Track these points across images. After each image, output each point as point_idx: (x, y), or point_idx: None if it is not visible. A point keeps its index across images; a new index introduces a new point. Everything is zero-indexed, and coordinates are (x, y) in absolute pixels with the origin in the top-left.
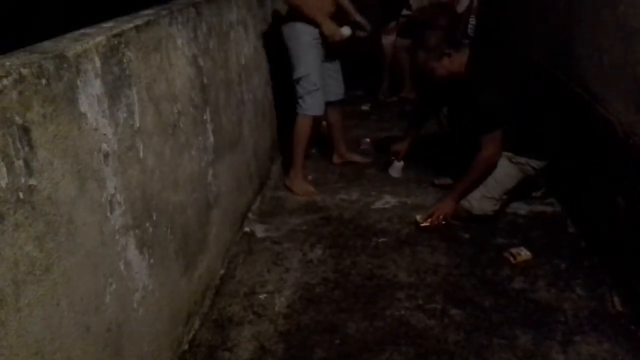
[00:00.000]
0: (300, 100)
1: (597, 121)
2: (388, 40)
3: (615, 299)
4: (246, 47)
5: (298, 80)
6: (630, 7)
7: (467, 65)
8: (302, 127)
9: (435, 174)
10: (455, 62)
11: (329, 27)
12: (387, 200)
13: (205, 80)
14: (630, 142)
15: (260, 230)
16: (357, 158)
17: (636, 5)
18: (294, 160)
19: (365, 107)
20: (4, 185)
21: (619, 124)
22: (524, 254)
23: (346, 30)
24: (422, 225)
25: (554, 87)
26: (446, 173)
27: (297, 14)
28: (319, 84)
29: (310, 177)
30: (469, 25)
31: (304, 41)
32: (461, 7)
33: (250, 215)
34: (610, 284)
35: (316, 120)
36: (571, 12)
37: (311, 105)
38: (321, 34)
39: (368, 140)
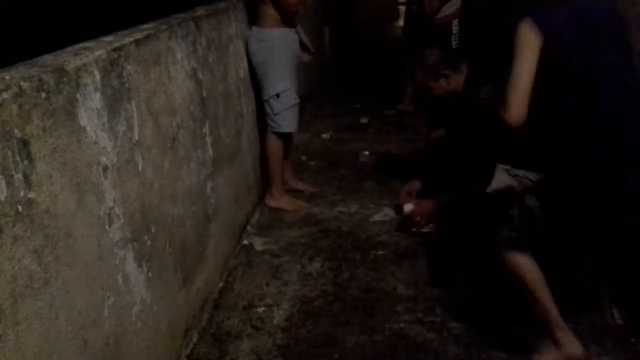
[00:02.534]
0: (276, 117)
1: None
2: None
3: (615, 311)
4: (245, 60)
5: (277, 95)
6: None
7: (465, 83)
8: (278, 146)
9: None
10: (453, 82)
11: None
12: (386, 213)
13: (204, 94)
14: None
15: (259, 243)
16: (301, 186)
17: (631, 22)
18: (274, 179)
19: (363, 120)
20: (2, 199)
21: None
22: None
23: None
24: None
25: None
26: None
27: (277, 19)
28: (297, 98)
29: (303, 188)
30: (453, 36)
31: (280, 50)
32: (445, 11)
33: (249, 228)
34: (609, 297)
35: (290, 136)
36: None
37: (289, 122)
38: (297, 38)
39: (367, 153)
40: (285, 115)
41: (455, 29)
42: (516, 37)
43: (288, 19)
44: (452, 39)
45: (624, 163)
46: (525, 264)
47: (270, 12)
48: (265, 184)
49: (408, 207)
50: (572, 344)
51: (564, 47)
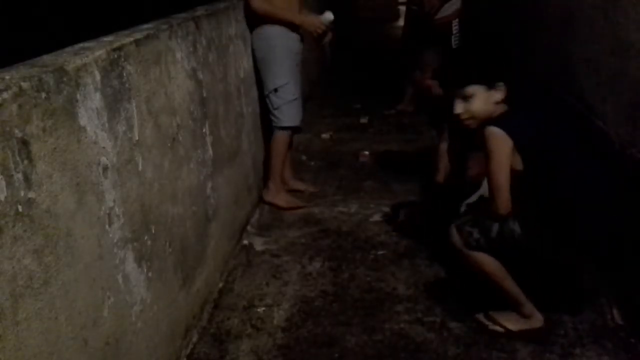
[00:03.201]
0: (276, 112)
1: (594, 133)
2: None
3: (615, 312)
4: (245, 60)
5: (275, 90)
6: (625, 22)
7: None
8: (280, 141)
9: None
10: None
11: (309, 21)
12: (386, 213)
13: (204, 94)
14: (626, 153)
15: (259, 243)
16: (301, 186)
17: (630, 20)
18: (273, 175)
19: (363, 120)
20: (2, 199)
21: (616, 136)
22: None
23: (328, 15)
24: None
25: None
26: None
27: (267, 20)
28: (297, 93)
29: (303, 188)
30: (454, 36)
31: (279, 47)
32: (446, 11)
33: (249, 228)
34: (609, 297)
35: (296, 131)
36: (568, 26)
37: (290, 116)
38: (299, 37)
39: (367, 152)
40: (285, 110)
41: (455, 29)
42: (490, 142)
43: (273, 22)
44: (452, 39)
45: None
46: (483, 257)
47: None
48: (263, 184)
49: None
50: (535, 316)
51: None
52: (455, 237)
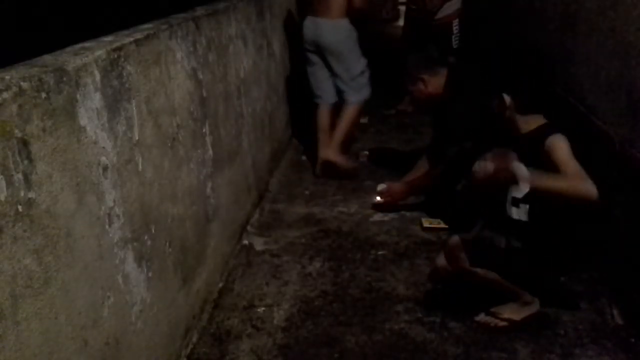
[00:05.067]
0: (360, 89)
1: (595, 133)
2: None
3: (615, 311)
4: (245, 60)
5: (362, 72)
6: (625, 23)
7: (445, 86)
8: (358, 111)
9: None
10: (431, 85)
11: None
12: (386, 213)
13: (204, 94)
14: (627, 154)
15: (259, 243)
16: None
17: (631, 22)
18: (344, 139)
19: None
20: (2, 199)
21: (617, 137)
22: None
23: None
24: (426, 227)
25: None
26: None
27: (352, 14)
28: None
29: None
30: (454, 36)
31: (355, 37)
32: (446, 11)
33: (249, 228)
34: (609, 297)
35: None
36: (568, 27)
37: (367, 91)
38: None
39: (366, 152)
40: (366, 87)
41: (455, 29)
42: (558, 147)
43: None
44: (453, 39)
45: None
46: (486, 271)
47: (343, 4)
48: (262, 184)
49: (380, 186)
50: (534, 301)
51: None
52: (462, 256)
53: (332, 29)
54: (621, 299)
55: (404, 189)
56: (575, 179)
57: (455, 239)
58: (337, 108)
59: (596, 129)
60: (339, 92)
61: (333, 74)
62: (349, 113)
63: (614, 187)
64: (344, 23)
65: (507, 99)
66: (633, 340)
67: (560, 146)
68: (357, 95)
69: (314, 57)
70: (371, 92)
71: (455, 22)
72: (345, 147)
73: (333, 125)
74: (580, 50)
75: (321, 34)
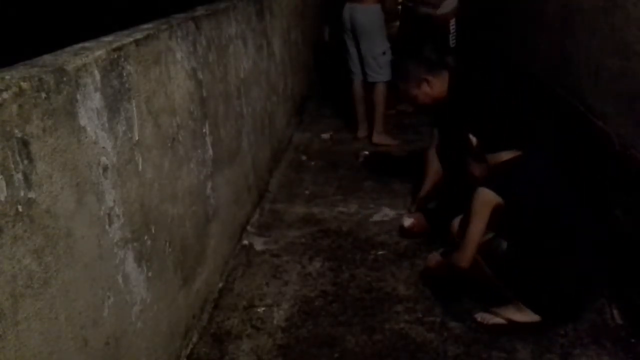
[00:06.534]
0: (382, 70)
1: (595, 134)
2: None
3: (615, 311)
4: (245, 60)
5: (383, 52)
6: (625, 24)
7: (448, 88)
8: (384, 91)
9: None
10: (436, 86)
11: None
12: (386, 213)
13: (204, 94)
14: (627, 154)
15: (259, 243)
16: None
17: (631, 22)
18: (380, 119)
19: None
20: (3, 199)
21: (617, 137)
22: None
23: None
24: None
25: (552, 100)
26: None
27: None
28: None
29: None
30: (451, 35)
31: (382, 20)
32: (443, 10)
33: (249, 228)
34: (609, 297)
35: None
36: (568, 27)
37: (390, 72)
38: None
39: (366, 152)
40: (388, 67)
41: (452, 28)
42: (476, 204)
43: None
44: (450, 38)
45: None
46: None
47: None
48: (262, 184)
49: (407, 222)
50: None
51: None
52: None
53: (364, 11)
54: (621, 299)
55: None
56: (472, 219)
57: (434, 256)
58: (368, 85)
59: (597, 129)
60: (364, 73)
61: (359, 53)
62: (377, 96)
63: (613, 187)
64: (374, 7)
65: (473, 139)
66: (633, 340)
67: (477, 197)
68: (378, 75)
69: (349, 39)
70: (391, 76)
71: (453, 21)
72: (383, 125)
73: (365, 97)
74: (580, 49)
75: (355, 15)
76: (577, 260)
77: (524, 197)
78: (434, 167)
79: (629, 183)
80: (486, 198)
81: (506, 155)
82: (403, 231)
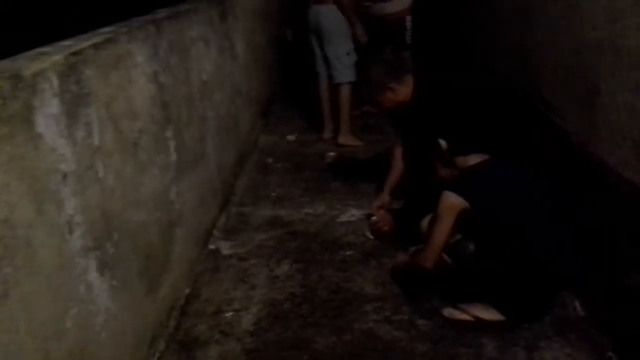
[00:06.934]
0: (346, 70)
1: (555, 131)
2: None
3: (577, 304)
4: (208, 63)
5: (347, 53)
6: (580, 22)
7: (413, 92)
8: (349, 92)
9: None
10: (400, 92)
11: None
12: (353, 214)
13: (166, 97)
14: (584, 150)
15: (225, 247)
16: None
17: (586, 21)
18: (346, 120)
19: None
20: None
21: (574, 133)
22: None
23: None
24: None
25: (512, 99)
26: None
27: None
28: None
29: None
30: (407, 31)
31: (344, 21)
32: (398, 7)
33: (215, 232)
34: (571, 290)
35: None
36: (527, 26)
37: (354, 73)
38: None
39: (332, 154)
40: (352, 68)
41: (408, 24)
42: (442, 207)
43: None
44: (406, 34)
45: None
46: None
47: None
48: (228, 188)
49: (373, 221)
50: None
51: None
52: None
53: (327, 13)
54: (583, 292)
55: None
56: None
57: (400, 258)
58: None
59: (556, 126)
60: (329, 74)
61: (324, 54)
62: (342, 97)
63: (574, 183)
64: (334, 8)
65: (442, 143)
66: (594, 331)
67: (443, 202)
68: (342, 76)
69: (314, 40)
70: (355, 77)
71: (408, 18)
72: (348, 126)
73: (331, 97)
74: (539, 48)
75: (319, 17)
76: (542, 265)
77: (489, 203)
78: (398, 165)
79: (588, 179)
80: (452, 202)
81: (474, 159)
82: (374, 233)
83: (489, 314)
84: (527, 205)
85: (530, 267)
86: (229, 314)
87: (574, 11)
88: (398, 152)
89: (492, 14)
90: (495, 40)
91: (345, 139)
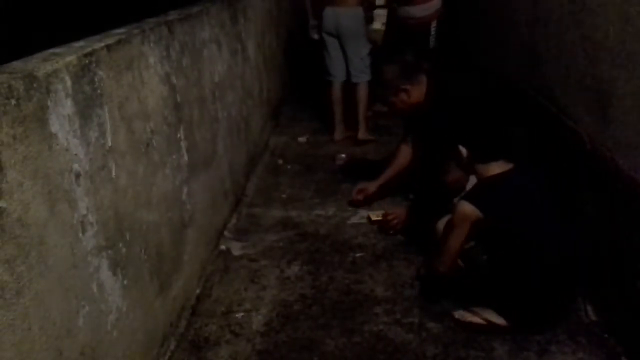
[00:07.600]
0: (366, 69)
1: (566, 133)
2: None
3: (589, 308)
4: (219, 64)
5: (368, 53)
6: (593, 25)
7: (426, 93)
8: (367, 90)
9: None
10: (414, 94)
11: None
12: (363, 215)
13: (178, 98)
14: (597, 153)
15: (236, 248)
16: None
17: (598, 23)
18: (364, 116)
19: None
20: None
21: (587, 136)
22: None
23: None
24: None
25: (524, 101)
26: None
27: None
28: None
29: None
30: (431, 36)
31: (365, 25)
32: (427, 11)
33: (226, 233)
34: (583, 294)
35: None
36: (538, 28)
37: (370, 72)
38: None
39: (343, 155)
40: (369, 68)
41: (433, 29)
42: (457, 217)
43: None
44: (430, 40)
45: None
46: None
47: None
48: (239, 189)
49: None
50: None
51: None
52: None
53: (349, 15)
54: (594, 296)
55: (377, 190)
56: (452, 229)
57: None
58: (346, 87)
59: (568, 128)
60: (348, 73)
61: (345, 56)
62: (361, 93)
63: (586, 186)
64: (358, 10)
65: (463, 150)
66: (606, 335)
67: (458, 210)
68: (364, 75)
69: (332, 43)
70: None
71: (434, 23)
72: (368, 123)
73: (344, 99)
74: (550, 50)
75: (340, 20)
76: (555, 273)
77: (503, 217)
78: (400, 160)
79: (601, 182)
80: (466, 212)
81: (494, 168)
82: (381, 228)
83: (500, 318)
84: (540, 219)
85: (542, 276)
86: (239, 315)
87: (585, 12)
88: (403, 150)
89: (507, 17)
90: (507, 42)
91: (364, 134)
